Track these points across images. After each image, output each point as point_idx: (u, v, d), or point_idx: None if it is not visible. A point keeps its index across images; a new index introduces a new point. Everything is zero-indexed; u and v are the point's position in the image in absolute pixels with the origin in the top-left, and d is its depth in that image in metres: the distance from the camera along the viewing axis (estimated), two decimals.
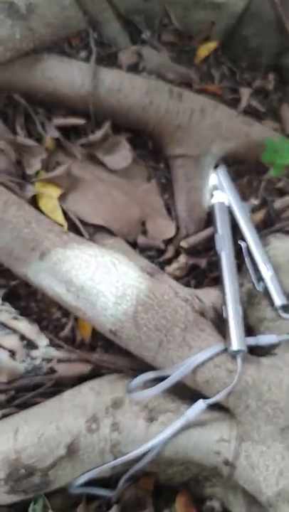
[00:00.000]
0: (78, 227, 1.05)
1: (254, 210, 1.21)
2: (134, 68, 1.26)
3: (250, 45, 1.37)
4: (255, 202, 1.21)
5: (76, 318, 1.05)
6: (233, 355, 0.89)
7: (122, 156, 1.16)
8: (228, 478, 0.92)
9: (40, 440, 0.85)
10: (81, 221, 1.05)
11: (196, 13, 1.33)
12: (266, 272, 1.02)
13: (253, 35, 1.34)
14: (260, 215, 1.20)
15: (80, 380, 1.00)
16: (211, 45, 1.37)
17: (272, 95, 1.43)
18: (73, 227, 1.05)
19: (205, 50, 1.37)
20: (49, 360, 1.01)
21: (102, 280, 0.91)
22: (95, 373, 1.01)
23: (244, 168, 1.28)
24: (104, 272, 0.91)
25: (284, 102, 1.42)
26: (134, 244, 1.10)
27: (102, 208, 1.07)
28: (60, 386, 1.00)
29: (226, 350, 0.89)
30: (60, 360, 1.02)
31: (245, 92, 1.36)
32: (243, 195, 1.22)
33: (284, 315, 0.99)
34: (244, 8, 1.33)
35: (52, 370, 1.01)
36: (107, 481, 0.98)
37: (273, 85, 1.44)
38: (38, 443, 0.85)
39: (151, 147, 1.24)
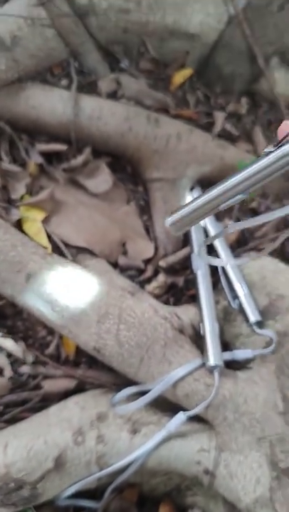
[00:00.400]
0: (62, 249, 1.09)
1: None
2: (113, 95, 1.32)
3: (223, 73, 1.44)
4: (229, 222, 1.27)
5: (61, 336, 1.09)
6: (211, 370, 0.94)
7: (102, 180, 1.21)
8: (209, 487, 0.97)
9: (28, 454, 0.89)
10: (64, 243, 1.10)
11: (172, 43, 1.40)
12: (241, 289, 1.08)
13: (226, 63, 1.42)
14: (234, 234, 1.26)
15: (66, 395, 1.04)
16: (186, 73, 1.44)
17: (245, 119, 1.50)
18: (57, 249, 1.09)
19: (180, 77, 1.43)
20: (35, 377, 1.05)
21: (86, 300, 0.95)
22: (80, 389, 1.06)
23: None
24: (87, 293, 0.96)
25: (256, 125, 1.49)
26: (115, 265, 1.15)
27: (84, 230, 1.12)
28: (46, 401, 1.04)
29: (203, 365, 0.95)
30: (46, 377, 1.06)
31: (219, 116, 1.43)
32: (218, 216, 1.29)
33: (258, 331, 1.04)
34: (217, 38, 1.40)
35: (38, 386, 1.05)
36: (93, 493, 1.02)
37: (246, 109, 1.51)
38: (26, 457, 0.89)
39: (130, 171, 1.29)
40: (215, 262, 1.08)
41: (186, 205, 0.49)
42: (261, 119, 1.51)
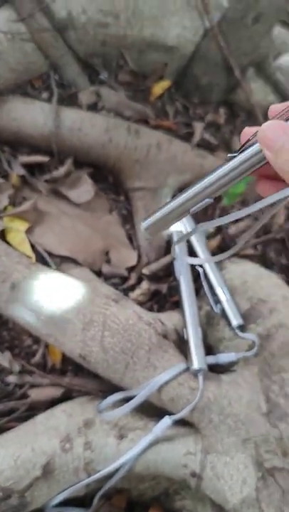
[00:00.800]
0: (46, 259, 1.11)
1: (210, 236, 1.30)
2: (93, 107, 1.34)
3: (200, 83, 1.47)
4: (210, 229, 1.30)
5: (47, 345, 1.10)
6: (195, 374, 0.96)
7: (84, 190, 1.23)
8: (196, 490, 0.98)
9: (16, 463, 0.90)
10: (48, 253, 1.12)
11: (150, 55, 1.43)
12: (223, 294, 1.10)
13: (203, 74, 1.45)
14: (215, 241, 1.29)
15: (53, 403, 1.05)
16: (165, 84, 1.47)
17: (223, 128, 1.53)
18: (41, 259, 1.11)
19: (159, 88, 1.46)
20: (22, 386, 1.06)
21: (71, 308, 0.97)
22: (67, 396, 1.06)
23: None
24: (72, 301, 0.97)
25: (235, 135, 1.52)
26: (99, 273, 1.16)
27: (67, 239, 1.14)
28: (33, 410, 1.04)
29: (188, 369, 0.97)
30: (32, 386, 1.07)
31: (198, 126, 1.46)
32: (198, 222, 1.31)
33: (241, 334, 1.06)
34: (193, 50, 1.44)
35: (25, 395, 1.05)
36: (82, 500, 1.02)
37: (224, 119, 1.54)
38: (14, 465, 0.89)
39: (111, 181, 1.31)
40: (194, 260, 1.10)
41: (158, 210, 0.52)
42: (239, 128, 1.55)
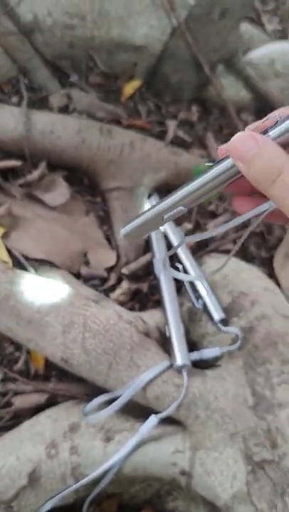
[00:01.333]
0: (23, 263, 1.09)
1: (188, 233, 1.29)
2: (64, 110, 1.33)
3: (171, 82, 1.47)
4: (188, 226, 1.30)
5: (28, 351, 1.09)
6: (179, 370, 0.95)
7: (59, 193, 1.22)
8: (187, 489, 0.97)
9: (1, 472, 0.88)
10: (25, 257, 1.10)
11: (119, 56, 1.43)
12: (203, 289, 1.10)
13: (173, 72, 1.45)
14: None
15: (37, 410, 1.03)
16: (136, 84, 1.47)
17: (196, 125, 1.53)
18: (18, 264, 1.09)
19: (130, 88, 1.46)
20: (5, 394, 1.04)
21: (50, 311, 0.95)
22: (52, 402, 1.05)
23: None
24: (50, 304, 0.96)
25: (208, 131, 1.53)
26: (78, 275, 1.15)
27: (43, 243, 1.12)
28: (18, 418, 1.02)
29: (171, 366, 0.95)
30: (16, 393, 1.05)
31: (171, 124, 1.46)
32: (177, 221, 1.31)
33: (223, 328, 1.05)
34: (162, 49, 1.44)
35: (9, 404, 1.03)
36: (71, 508, 1.00)
37: (197, 116, 1.55)
38: None
39: (87, 183, 1.30)
40: (184, 277, 1.09)
41: (136, 217, 0.53)
42: (212, 125, 1.55)
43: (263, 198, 0.47)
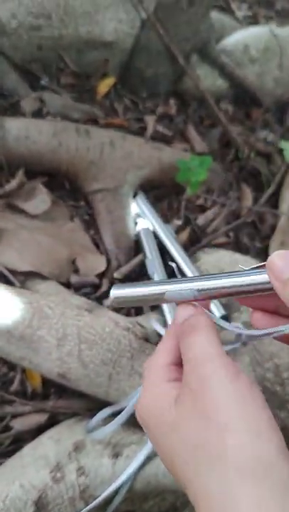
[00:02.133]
0: (8, 278, 1.03)
1: (179, 230, 1.24)
2: (38, 114, 1.28)
3: (146, 76, 1.42)
4: (178, 222, 1.25)
5: (24, 370, 1.03)
6: None
7: (40, 200, 1.16)
8: None
9: (5, 503, 0.82)
10: (10, 271, 1.04)
11: (89, 54, 1.38)
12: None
13: (147, 66, 1.40)
14: (185, 234, 1.23)
15: (39, 431, 0.97)
16: (110, 81, 1.42)
17: (176, 119, 1.49)
18: (3, 278, 1.03)
19: (104, 86, 1.41)
20: (3, 418, 0.98)
21: (41, 325, 0.89)
22: (53, 422, 0.99)
23: (162, 192, 1.31)
24: (41, 317, 0.90)
25: (188, 124, 1.48)
26: (68, 285, 1.09)
27: (28, 254, 1.07)
28: (19, 442, 0.97)
29: None
30: (14, 416, 0.99)
31: (150, 120, 1.41)
32: (166, 218, 1.26)
33: (224, 325, 1.00)
34: (133, 43, 1.39)
35: (8, 428, 0.97)
36: None
37: (175, 109, 1.50)
38: (3, 507, 0.81)
39: (68, 187, 1.25)
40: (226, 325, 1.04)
41: (135, 285, 0.49)
42: (192, 117, 1.51)
43: (285, 318, 0.46)
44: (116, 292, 0.49)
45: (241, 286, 0.45)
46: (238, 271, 0.46)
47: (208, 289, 0.46)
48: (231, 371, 0.41)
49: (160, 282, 0.49)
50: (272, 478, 0.35)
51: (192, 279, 0.47)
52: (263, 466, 0.36)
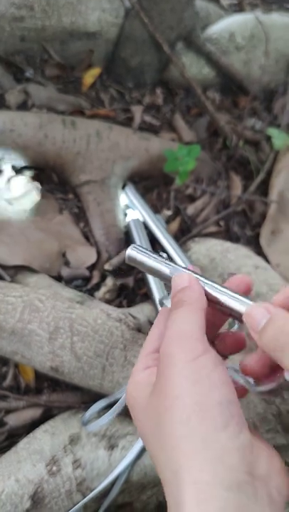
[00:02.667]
0: None
1: (169, 220, 1.23)
2: (23, 107, 1.26)
3: (131, 66, 1.41)
4: (168, 213, 1.24)
5: (16, 365, 1.02)
6: None
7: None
8: None
9: (1, 499, 0.81)
10: (0, 265, 1.03)
11: (74, 45, 1.36)
12: None
13: (132, 55, 1.39)
14: (175, 224, 1.23)
15: (33, 426, 0.96)
16: (95, 72, 1.40)
17: (163, 108, 1.47)
18: None
19: (90, 77, 1.39)
20: None
21: (32, 319, 0.88)
22: (48, 416, 0.98)
23: (151, 183, 1.30)
24: (32, 311, 0.89)
25: (176, 113, 1.47)
26: (59, 278, 1.08)
27: (18, 248, 1.06)
28: (14, 437, 0.96)
29: None
30: (8, 411, 0.98)
31: (136, 110, 1.39)
32: (156, 209, 1.25)
33: None
34: (118, 33, 1.37)
35: (2, 423, 0.97)
36: None
37: (162, 99, 1.49)
38: None
39: (56, 180, 1.23)
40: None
41: (150, 256, 0.52)
42: (180, 106, 1.50)
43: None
44: (131, 252, 0.53)
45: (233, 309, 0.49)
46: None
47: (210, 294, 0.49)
48: (196, 351, 0.42)
49: (171, 265, 0.52)
50: (212, 452, 0.37)
51: (205, 277, 0.50)
52: (205, 443, 0.38)
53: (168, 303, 0.52)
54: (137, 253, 0.52)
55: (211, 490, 0.36)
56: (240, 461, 0.37)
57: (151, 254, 0.52)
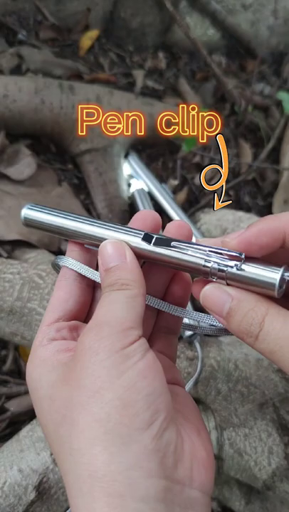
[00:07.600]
0: None
1: (176, 190, 1.16)
2: (17, 71, 1.18)
3: (132, 27, 1.32)
4: (175, 182, 1.16)
5: (16, 347, 0.96)
6: (190, 341, 0.82)
7: (25, 164, 1.07)
8: (218, 474, 0.85)
9: (3, 490, 0.75)
10: None
11: (70, 4, 1.27)
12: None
13: (132, 15, 1.30)
14: (182, 194, 1.15)
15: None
16: (93, 34, 1.31)
17: (166, 73, 1.39)
18: None
19: (88, 40, 1.30)
20: None
21: (32, 296, 0.81)
22: None
23: (156, 151, 1.22)
24: (32, 288, 0.82)
25: (180, 78, 1.38)
26: (59, 253, 1.01)
27: (15, 222, 0.98)
28: (16, 424, 0.90)
29: (180, 338, 0.83)
30: (9, 397, 0.92)
31: (138, 74, 1.31)
32: (161, 179, 1.17)
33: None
34: None
35: (3, 410, 0.90)
36: None
37: (165, 63, 1.40)
38: (1, 494, 0.75)
39: (54, 149, 1.15)
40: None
41: (51, 213, 0.44)
42: (184, 71, 1.41)
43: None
44: (27, 212, 0.45)
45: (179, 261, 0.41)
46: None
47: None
48: (125, 340, 0.36)
49: (79, 218, 0.43)
50: (130, 457, 0.33)
51: (111, 226, 0.42)
52: (125, 446, 0.33)
53: (64, 262, 0.44)
54: (35, 211, 0.45)
55: (123, 503, 0.32)
56: (160, 466, 0.33)
57: (58, 212, 0.44)
